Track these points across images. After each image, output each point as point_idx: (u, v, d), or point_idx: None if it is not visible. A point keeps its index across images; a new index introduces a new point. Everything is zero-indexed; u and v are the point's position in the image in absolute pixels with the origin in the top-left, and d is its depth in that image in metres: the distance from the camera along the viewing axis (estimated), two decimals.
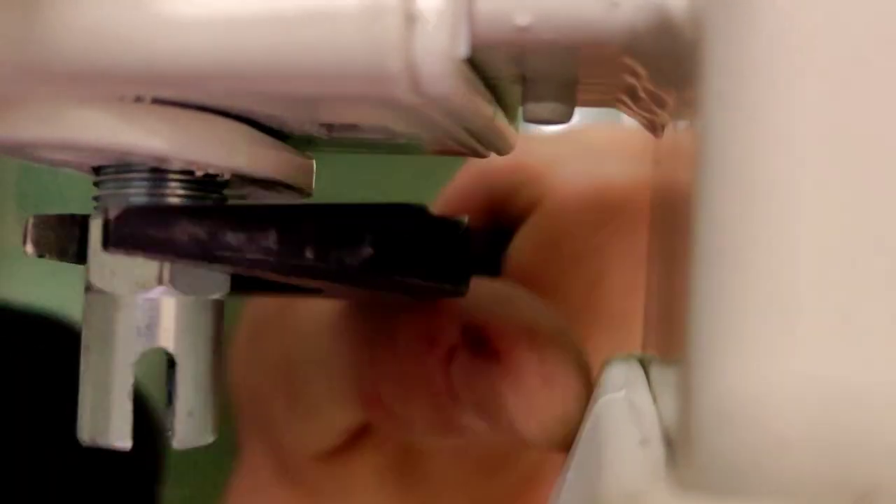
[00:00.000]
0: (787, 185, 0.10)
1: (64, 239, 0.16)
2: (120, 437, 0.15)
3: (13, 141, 0.14)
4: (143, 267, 0.15)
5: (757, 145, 0.11)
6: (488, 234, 0.25)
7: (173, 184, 0.15)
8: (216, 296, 0.16)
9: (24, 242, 0.16)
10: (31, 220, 0.16)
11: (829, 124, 0.10)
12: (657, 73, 0.14)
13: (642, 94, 0.16)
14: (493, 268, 0.24)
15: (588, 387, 0.18)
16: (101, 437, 0.15)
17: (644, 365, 0.17)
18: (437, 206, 0.25)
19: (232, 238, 0.14)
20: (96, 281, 0.15)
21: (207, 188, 0.15)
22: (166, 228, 0.14)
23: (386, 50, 0.12)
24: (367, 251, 0.15)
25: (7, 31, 0.12)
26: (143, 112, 0.14)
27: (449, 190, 0.26)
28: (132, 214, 0.14)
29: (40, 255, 0.16)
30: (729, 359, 0.11)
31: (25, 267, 0.40)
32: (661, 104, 0.15)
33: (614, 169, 0.24)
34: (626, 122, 0.20)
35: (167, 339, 0.15)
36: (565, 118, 0.16)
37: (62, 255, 0.16)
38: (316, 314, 0.23)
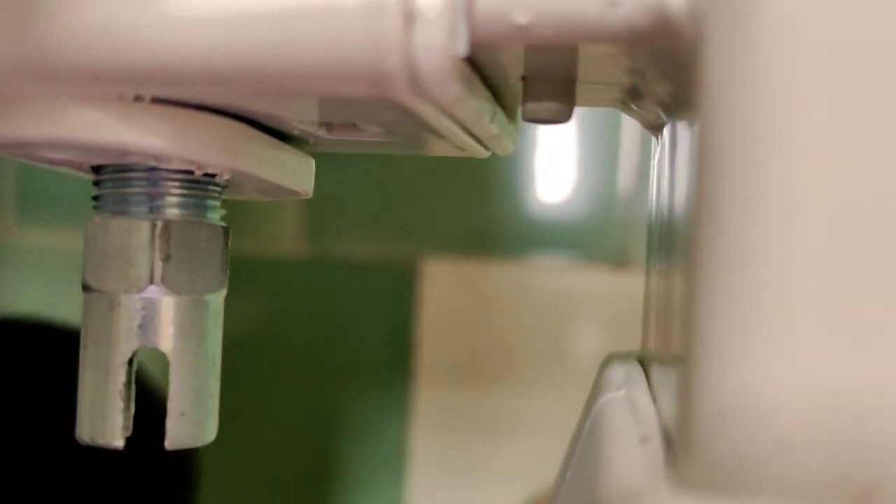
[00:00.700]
0: (787, 184, 0.10)
1: None
2: (115, 436, 0.15)
3: (13, 140, 0.14)
4: (135, 266, 0.15)
5: (757, 145, 0.11)
6: None
7: (172, 183, 0.15)
8: (211, 296, 0.16)
9: None
10: None
11: (829, 124, 0.10)
12: (656, 73, 0.14)
13: (642, 94, 0.16)
14: None
15: None
16: (101, 437, 0.15)
17: (644, 364, 0.17)
18: None
19: None
20: (92, 280, 0.15)
21: (207, 188, 0.15)
22: None
23: (385, 48, 0.12)
24: None
25: (7, 30, 0.13)
26: (143, 111, 0.14)
27: None
28: None
29: None
30: (729, 358, 0.11)
31: (25, 267, 0.40)
32: (661, 104, 0.15)
33: None
34: (626, 122, 0.20)
35: (160, 338, 0.15)
36: (565, 118, 0.16)
37: None
38: None
